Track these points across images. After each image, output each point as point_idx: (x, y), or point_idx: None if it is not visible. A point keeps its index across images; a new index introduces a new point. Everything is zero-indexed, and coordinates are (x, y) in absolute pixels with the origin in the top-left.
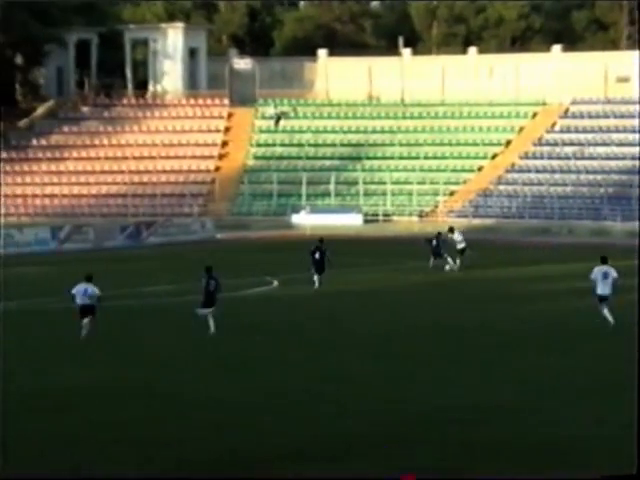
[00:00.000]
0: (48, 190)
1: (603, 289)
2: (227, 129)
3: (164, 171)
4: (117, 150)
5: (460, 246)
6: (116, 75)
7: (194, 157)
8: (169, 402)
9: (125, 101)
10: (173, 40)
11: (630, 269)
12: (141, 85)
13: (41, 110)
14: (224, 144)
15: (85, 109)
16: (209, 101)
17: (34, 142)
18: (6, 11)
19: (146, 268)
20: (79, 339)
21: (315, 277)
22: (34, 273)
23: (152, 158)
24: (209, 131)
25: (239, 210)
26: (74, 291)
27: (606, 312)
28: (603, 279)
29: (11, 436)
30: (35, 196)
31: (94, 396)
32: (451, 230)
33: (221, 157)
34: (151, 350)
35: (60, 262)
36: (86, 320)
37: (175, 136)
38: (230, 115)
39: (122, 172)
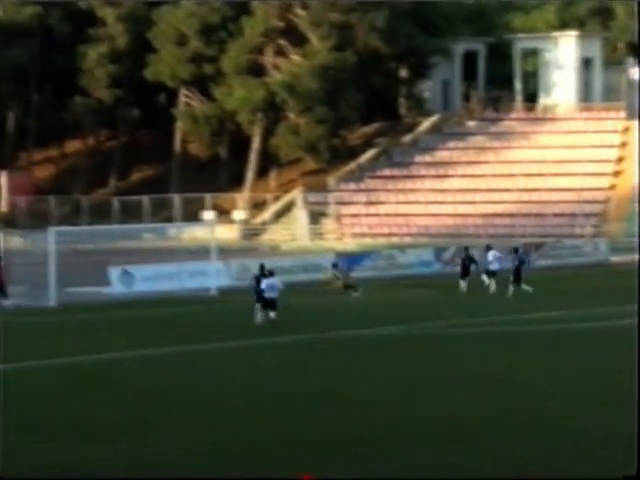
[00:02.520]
0: (432, 209)
1: None
2: (623, 144)
3: (554, 189)
4: (504, 167)
5: (492, 267)
6: (504, 87)
7: (587, 174)
8: (560, 435)
9: (513, 115)
10: (565, 49)
11: None
12: (530, 98)
13: (425, 125)
14: (619, 160)
15: (471, 124)
16: (604, 114)
17: (417, 158)
18: (391, 23)
19: (534, 292)
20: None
21: (461, 283)
22: (415, 296)
23: (542, 175)
24: (603, 146)
25: (635, 231)
26: (263, 286)
27: None
28: None
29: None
30: (418, 215)
31: (479, 427)
32: (487, 248)
33: (616, 174)
34: (533, 378)
35: (442, 285)
36: (270, 313)
37: (566, 152)
38: (626, 129)
39: (510, 190)
